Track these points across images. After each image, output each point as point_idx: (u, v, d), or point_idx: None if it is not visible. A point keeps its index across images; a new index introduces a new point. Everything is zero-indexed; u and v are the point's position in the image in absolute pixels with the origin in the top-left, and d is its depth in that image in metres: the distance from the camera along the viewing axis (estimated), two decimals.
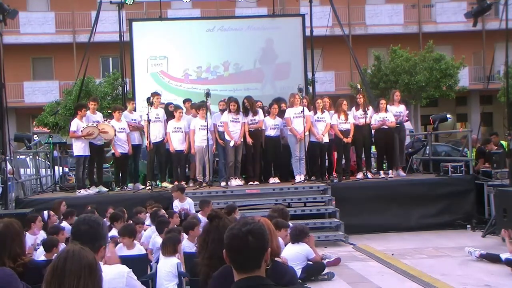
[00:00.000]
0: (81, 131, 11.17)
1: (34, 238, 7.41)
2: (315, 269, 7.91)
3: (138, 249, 6.64)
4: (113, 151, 11.98)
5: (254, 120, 11.94)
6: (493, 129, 28.20)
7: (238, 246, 2.56)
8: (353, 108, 12.42)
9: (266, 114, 12.25)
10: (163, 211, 8.66)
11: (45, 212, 9.10)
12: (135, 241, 6.76)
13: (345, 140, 11.88)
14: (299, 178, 11.74)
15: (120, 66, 16.80)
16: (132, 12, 23.27)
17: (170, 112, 12.25)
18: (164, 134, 11.97)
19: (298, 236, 7.64)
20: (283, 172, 12.32)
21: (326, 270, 8.02)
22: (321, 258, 8.39)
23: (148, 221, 8.61)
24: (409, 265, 8.54)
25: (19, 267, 3.81)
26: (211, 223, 3.85)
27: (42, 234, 7.66)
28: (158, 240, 7.26)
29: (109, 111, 22.15)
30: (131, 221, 7.80)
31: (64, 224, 8.50)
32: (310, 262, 7.77)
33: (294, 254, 7.39)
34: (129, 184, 12.04)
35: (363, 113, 12.10)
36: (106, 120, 11.88)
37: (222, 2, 23.89)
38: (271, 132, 11.99)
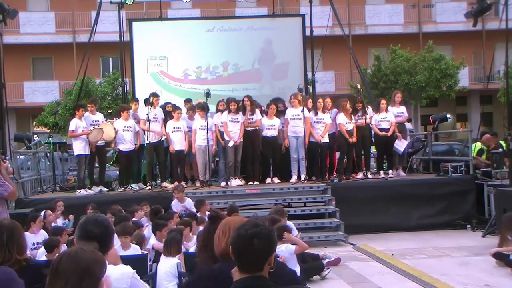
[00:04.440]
0: (87, 130, 11.22)
1: (34, 237, 7.42)
2: (313, 269, 7.91)
3: (133, 249, 6.60)
4: (113, 151, 12.01)
5: (252, 119, 11.94)
6: (493, 129, 28.19)
7: (243, 247, 2.57)
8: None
9: (264, 115, 12.23)
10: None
11: (42, 212, 9.09)
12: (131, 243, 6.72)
13: (350, 140, 11.87)
14: (294, 178, 11.75)
15: (120, 66, 16.81)
16: (132, 12, 23.27)
17: (168, 112, 12.25)
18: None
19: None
20: (283, 172, 12.31)
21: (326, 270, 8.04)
22: (321, 259, 8.39)
23: (147, 223, 8.62)
24: (409, 265, 8.54)
25: (24, 261, 3.83)
26: (213, 224, 3.85)
27: (42, 234, 7.66)
28: (153, 241, 7.27)
29: (109, 111, 22.29)
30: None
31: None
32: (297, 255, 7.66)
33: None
34: (132, 185, 12.01)
35: (363, 113, 12.09)
36: (113, 120, 11.94)
37: (222, 2, 23.91)
38: (267, 132, 11.97)
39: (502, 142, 12.73)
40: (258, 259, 2.57)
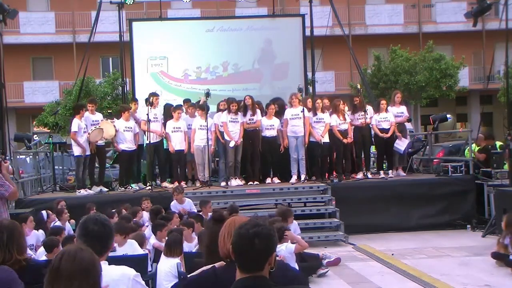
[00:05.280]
0: (89, 133, 11.21)
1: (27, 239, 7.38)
2: (311, 268, 7.90)
3: (129, 244, 6.59)
4: (114, 150, 12.01)
5: (252, 119, 11.93)
6: (493, 129, 28.22)
7: (243, 246, 2.56)
8: (351, 111, 12.37)
9: (264, 114, 12.21)
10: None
11: (44, 212, 9.08)
12: (128, 240, 6.71)
13: (345, 141, 11.87)
14: (294, 178, 11.75)
15: (120, 66, 16.80)
16: (132, 12, 23.27)
17: (169, 113, 12.24)
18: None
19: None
20: (283, 172, 12.30)
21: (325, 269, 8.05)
22: (321, 259, 8.38)
23: (147, 222, 8.62)
24: (409, 265, 8.54)
25: (24, 261, 3.84)
26: (218, 225, 3.84)
27: (37, 234, 7.64)
28: (153, 241, 7.27)
29: (109, 111, 22.30)
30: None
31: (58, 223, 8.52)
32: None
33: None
34: (132, 185, 12.01)
35: (363, 113, 12.10)
36: (113, 120, 11.95)
37: (222, 2, 23.91)
38: (267, 133, 11.94)
39: (497, 142, 12.72)
40: (259, 259, 2.56)
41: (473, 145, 12.90)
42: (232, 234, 2.99)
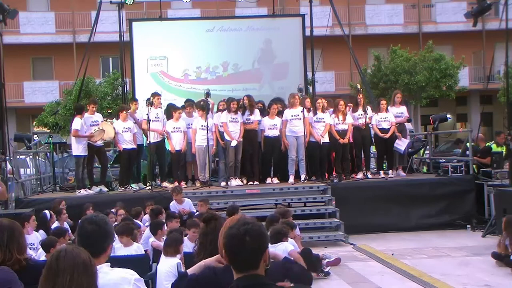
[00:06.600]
0: (91, 132, 11.23)
1: (28, 238, 7.38)
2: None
3: (136, 247, 6.63)
4: (113, 150, 12.01)
5: (249, 119, 11.91)
6: (493, 129, 28.22)
7: (235, 245, 2.56)
8: (350, 110, 12.36)
9: (266, 114, 12.19)
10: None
11: (47, 212, 9.08)
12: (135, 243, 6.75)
13: (341, 141, 11.86)
14: (291, 178, 11.74)
15: (120, 66, 16.81)
16: (132, 12, 23.27)
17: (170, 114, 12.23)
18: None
19: (274, 238, 7.11)
20: (283, 172, 12.29)
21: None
22: (322, 258, 8.37)
23: (147, 222, 8.63)
24: (409, 265, 8.54)
25: (24, 261, 3.84)
26: (208, 225, 3.85)
27: (38, 234, 7.64)
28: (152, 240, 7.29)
29: (109, 111, 22.31)
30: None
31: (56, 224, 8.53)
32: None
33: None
34: (132, 185, 12.00)
35: (363, 113, 12.09)
36: (107, 120, 11.94)
37: (222, 2, 23.90)
38: (269, 133, 11.94)
39: (489, 144, 12.72)
40: (252, 257, 2.55)
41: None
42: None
